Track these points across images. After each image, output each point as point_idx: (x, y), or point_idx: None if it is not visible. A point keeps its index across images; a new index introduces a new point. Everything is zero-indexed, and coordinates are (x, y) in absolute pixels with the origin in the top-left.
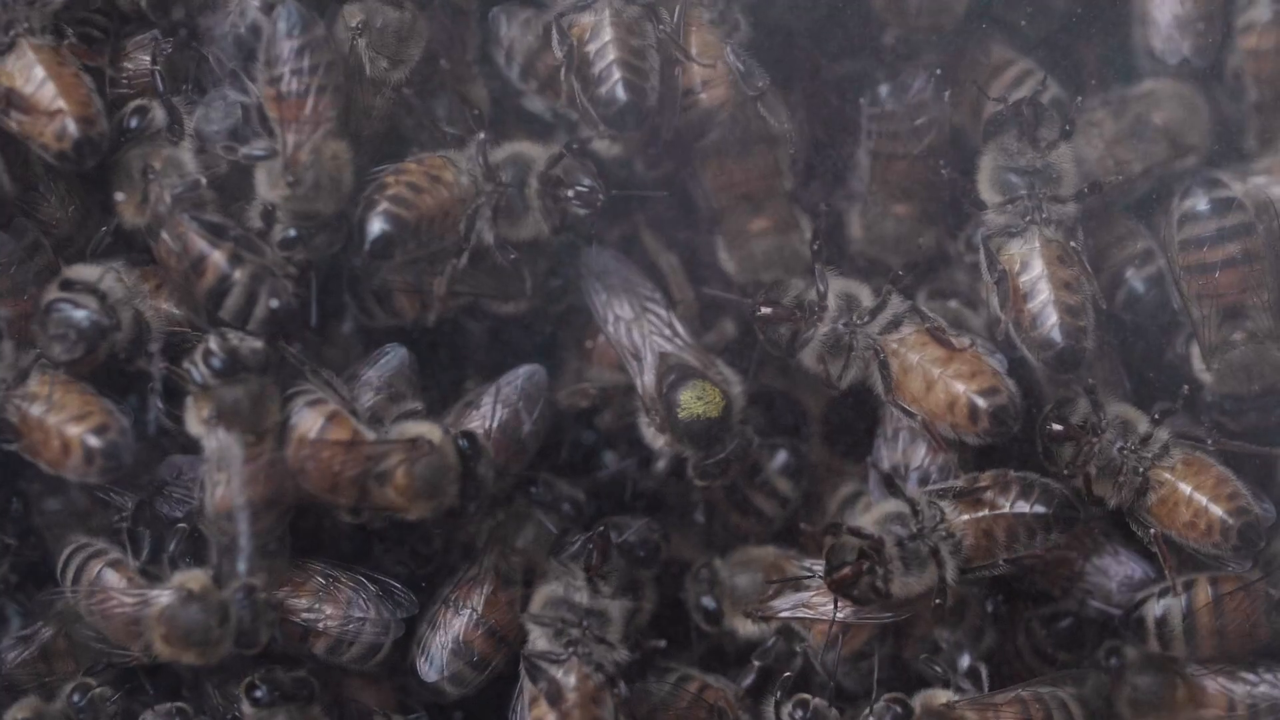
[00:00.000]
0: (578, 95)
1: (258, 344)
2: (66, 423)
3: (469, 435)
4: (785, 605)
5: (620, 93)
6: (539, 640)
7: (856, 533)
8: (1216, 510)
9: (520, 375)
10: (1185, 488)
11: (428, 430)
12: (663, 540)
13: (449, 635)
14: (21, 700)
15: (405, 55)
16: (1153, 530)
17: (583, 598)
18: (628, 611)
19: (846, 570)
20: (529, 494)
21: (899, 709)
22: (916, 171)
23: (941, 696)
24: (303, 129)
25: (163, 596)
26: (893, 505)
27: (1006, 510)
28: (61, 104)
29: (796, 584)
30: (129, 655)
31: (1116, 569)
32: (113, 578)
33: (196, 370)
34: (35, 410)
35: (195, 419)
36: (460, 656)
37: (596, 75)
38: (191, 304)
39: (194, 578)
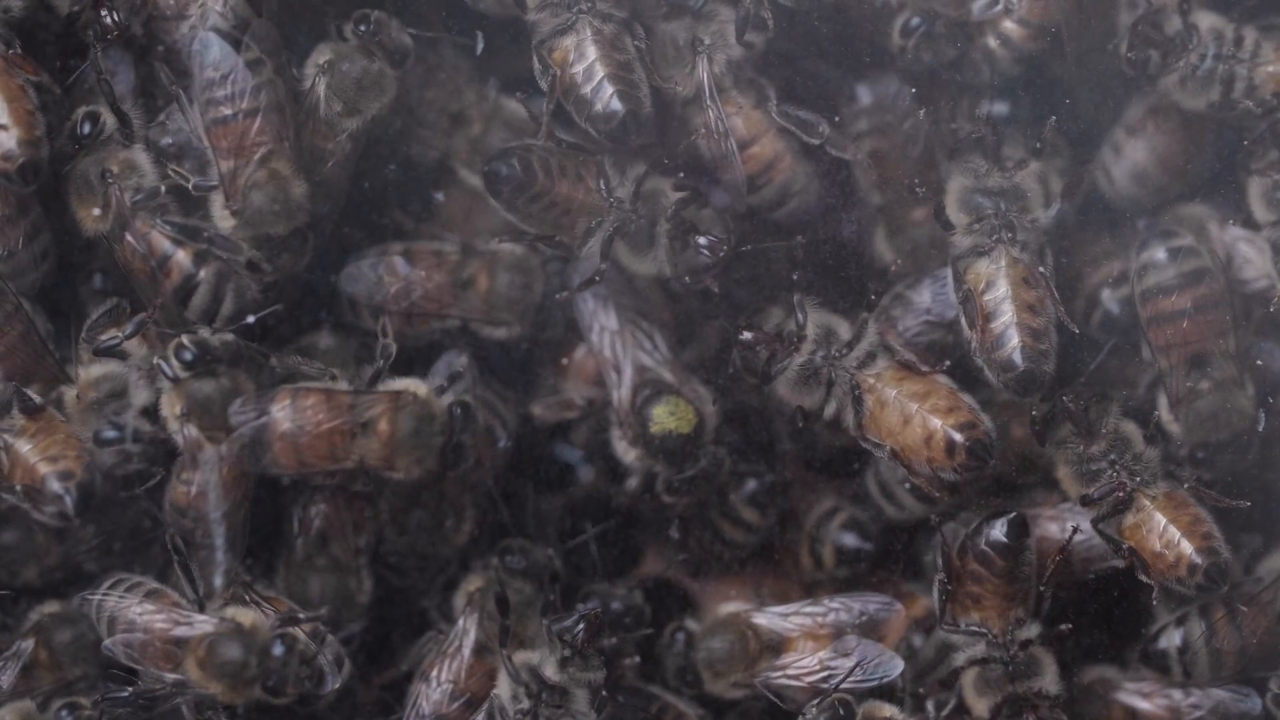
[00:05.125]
0: (574, 118)
1: (228, 336)
2: (40, 461)
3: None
4: (773, 673)
5: (617, 104)
6: (503, 689)
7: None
8: (1188, 546)
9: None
10: (1161, 519)
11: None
12: (647, 607)
13: (427, 710)
14: (13, 704)
15: (362, 105)
16: (1124, 546)
17: (551, 672)
18: (596, 687)
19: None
20: (504, 562)
21: (842, 711)
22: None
23: (885, 710)
24: (237, 155)
25: (209, 623)
26: (965, 655)
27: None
28: (5, 121)
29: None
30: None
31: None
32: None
33: (168, 365)
34: (16, 442)
35: (169, 414)
36: None
37: (589, 95)
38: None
39: (244, 614)
